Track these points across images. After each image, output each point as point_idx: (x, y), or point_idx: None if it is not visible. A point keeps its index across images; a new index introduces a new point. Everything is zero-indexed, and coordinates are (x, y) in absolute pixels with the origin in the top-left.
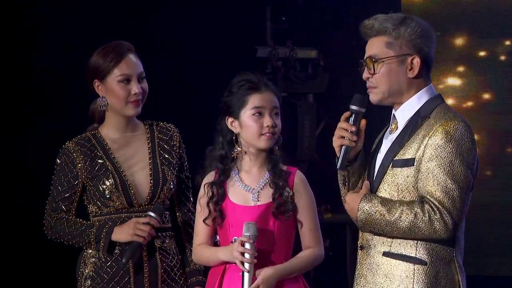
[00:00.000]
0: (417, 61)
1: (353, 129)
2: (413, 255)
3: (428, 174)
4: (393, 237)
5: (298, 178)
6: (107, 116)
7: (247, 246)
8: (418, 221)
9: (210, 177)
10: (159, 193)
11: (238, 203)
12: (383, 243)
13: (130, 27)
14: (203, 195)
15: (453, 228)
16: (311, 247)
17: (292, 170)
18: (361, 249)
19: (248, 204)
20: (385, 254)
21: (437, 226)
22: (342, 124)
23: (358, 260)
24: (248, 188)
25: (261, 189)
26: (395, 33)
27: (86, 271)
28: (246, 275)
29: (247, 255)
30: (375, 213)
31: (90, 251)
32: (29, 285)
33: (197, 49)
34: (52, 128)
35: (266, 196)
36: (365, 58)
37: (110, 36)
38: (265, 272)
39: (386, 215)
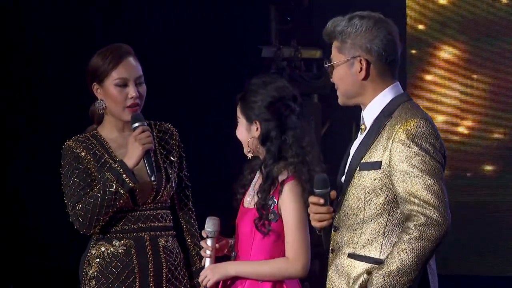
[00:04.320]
0: (364, 62)
1: (323, 203)
2: (376, 256)
3: (404, 176)
4: (359, 239)
5: (285, 190)
6: (105, 118)
7: (208, 242)
8: (416, 243)
9: (253, 162)
10: (162, 192)
11: (244, 200)
12: (349, 245)
13: (133, 26)
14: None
15: (446, 220)
16: (286, 258)
17: (285, 180)
18: (331, 252)
19: (246, 205)
20: (350, 255)
21: (430, 231)
22: (312, 199)
23: (328, 263)
24: (253, 192)
25: (255, 193)
26: (342, 37)
27: (91, 271)
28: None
29: (207, 251)
30: (383, 279)
31: (94, 251)
32: (32, 285)
33: (202, 49)
34: (58, 128)
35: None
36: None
37: (113, 36)
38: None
39: (392, 271)
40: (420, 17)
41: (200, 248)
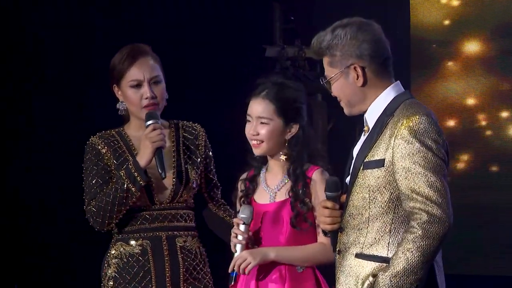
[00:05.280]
0: (358, 69)
1: (337, 207)
2: (384, 255)
3: (406, 173)
4: (365, 239)
5: (314, 177)
6: (131, 117)
7: (241, 228)
8: (421, 241)
9: (244, 175)
10: (181, 193)
11: (257, 200)
12: (356, 245)
13: (133, 26)
14: (238, 191)
15: (449, 216)
16: (322, 243)
17: (311, 170)
18: (338, 254)
19: (263, 203)
20: (357, 255)
21: (434, 228)
22: (327, 203)
23: (335, 265)
24: (268, 188)
25: (278, 190)
26: (330, 51)
27: (109, 271)
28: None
29: (240, 237)
30: (389, 280)
31: (113, 251)
32: (35, 285)
33: (206, 49)
34: (58, 128)
35: (282, 197)
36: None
37: (113, 36)
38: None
39: (398, 272)
40: (443, 13)
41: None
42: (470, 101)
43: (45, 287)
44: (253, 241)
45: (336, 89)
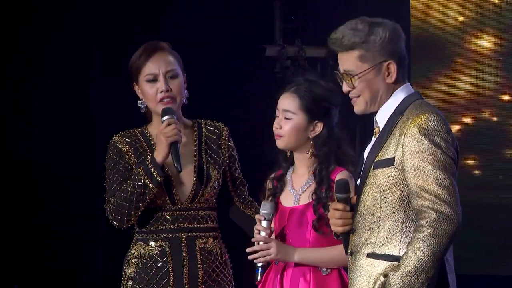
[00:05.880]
0: (393, 66)
1: (348, 208)
2: (396, 253)
3: (415, 170)
4: (377, 238)
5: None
6: (153, 115)
7: (263, 224)
8: (431, 240)
9: (273, 174)
10: (202, 192)
11: (283, 202)
12: (367, 245)
13: (136, 27)
14: (266, 190)
15: (458, 215)
16: None
17: (336, 172)
18: (350, 255)
19: (288, 205)
20: (369, 255)
21: (443, 227)
22: (338, 205)
23: (348, 266)
24: (293, 190)
25: (302, 193)
26: (365, 46)
27: (129, 271)
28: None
29: (262, 233)
30: (401, 280)
31: (133, 251)
32: (36, 284)
33: (206, 49)
34: (58, 129)
35: (306, 199)
36: (341, 72)
37: (113, 36)
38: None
39: (409, 271)
40: (459, 9)
41: None
42: (474, 100)
43: (45, 287)
44: (278, 239)
45: (362, 84)
